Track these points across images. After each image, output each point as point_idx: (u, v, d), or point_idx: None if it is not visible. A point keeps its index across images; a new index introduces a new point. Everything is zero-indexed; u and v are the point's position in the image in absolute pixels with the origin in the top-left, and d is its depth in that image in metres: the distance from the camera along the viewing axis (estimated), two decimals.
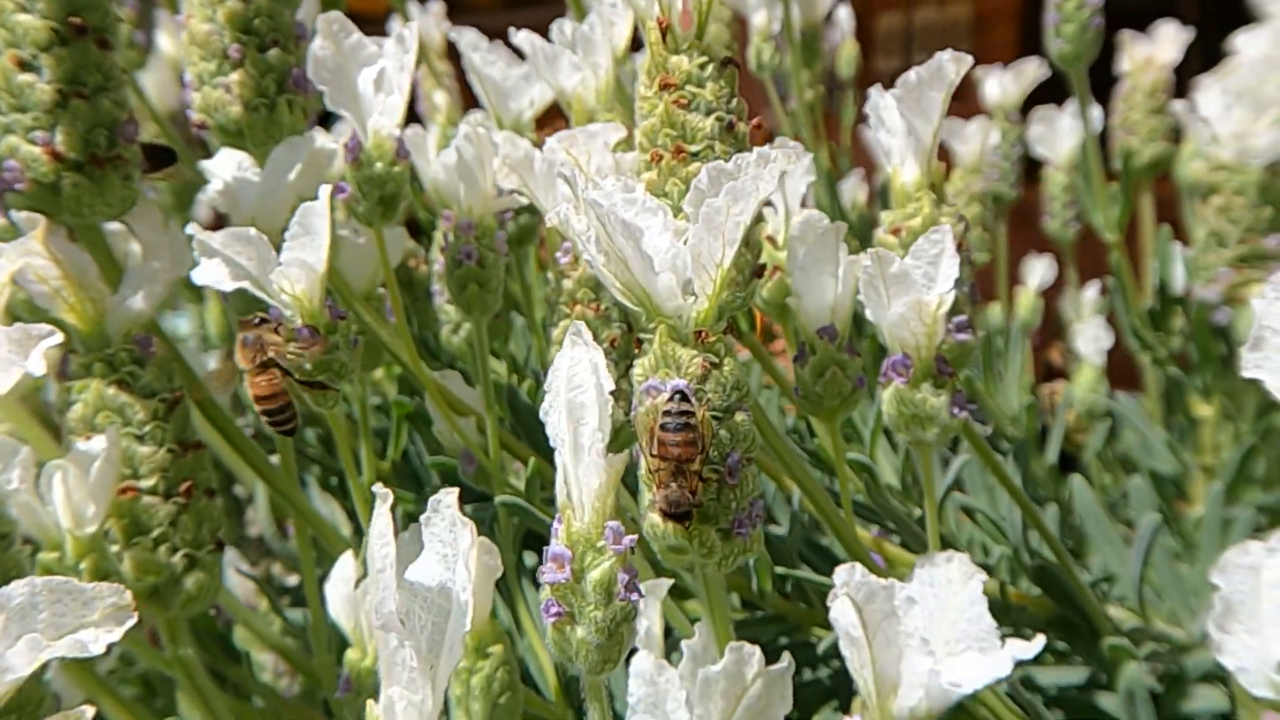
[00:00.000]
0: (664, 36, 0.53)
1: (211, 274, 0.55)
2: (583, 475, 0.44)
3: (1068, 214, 1.68)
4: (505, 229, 0.83)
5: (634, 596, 0.46)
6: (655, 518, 0.55)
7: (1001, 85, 1.76)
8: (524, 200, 0.72)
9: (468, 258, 0.71)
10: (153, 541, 0.57)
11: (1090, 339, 1.44)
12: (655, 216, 0.51)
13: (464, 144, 0.68)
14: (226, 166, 0.68)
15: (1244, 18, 1.32)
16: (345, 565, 0.70)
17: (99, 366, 0.58)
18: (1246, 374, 0.49)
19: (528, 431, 0.83)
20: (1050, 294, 1.80)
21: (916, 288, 0.55)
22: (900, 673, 0.54)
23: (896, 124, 0.68)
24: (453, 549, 0.40)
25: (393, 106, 0.63)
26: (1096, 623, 0.77)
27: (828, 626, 0.62)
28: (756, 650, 0.55)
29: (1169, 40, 1.47)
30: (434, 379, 0.75)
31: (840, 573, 0.52)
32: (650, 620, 0.62)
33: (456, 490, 0.40)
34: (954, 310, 0.67)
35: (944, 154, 1.66)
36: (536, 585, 0.84)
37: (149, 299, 0.58)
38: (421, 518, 0.40)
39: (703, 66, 0.53)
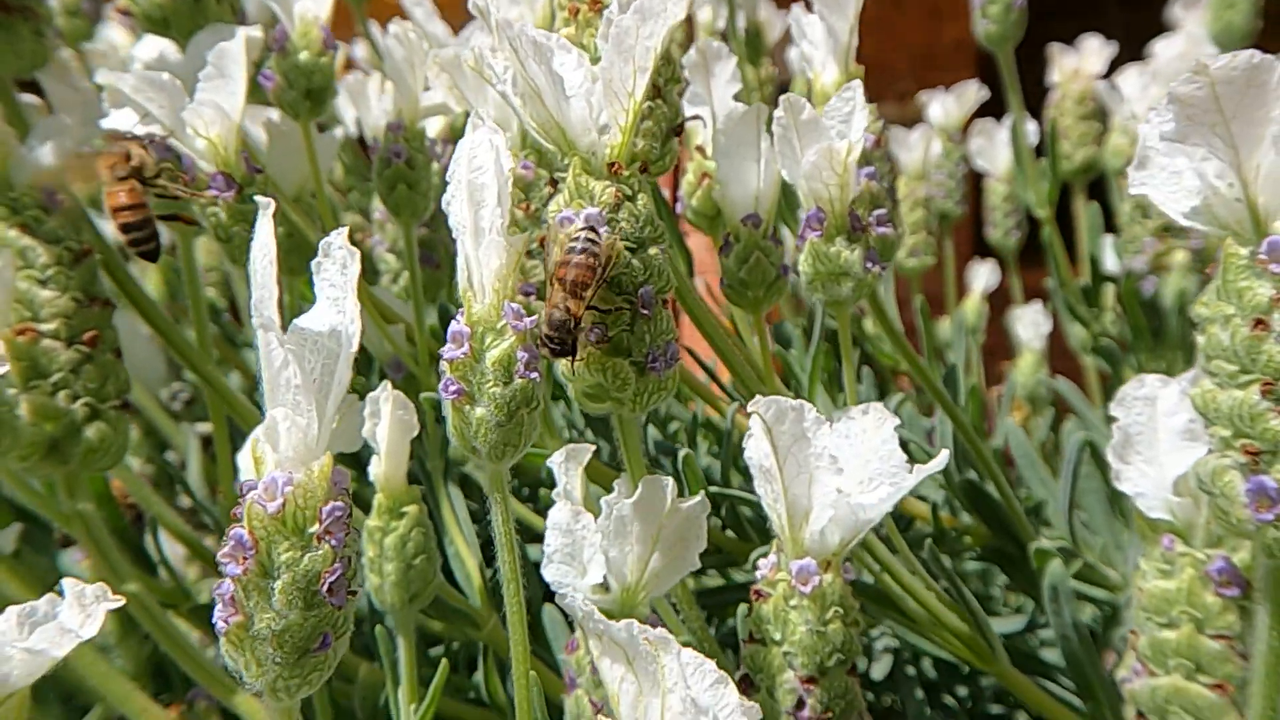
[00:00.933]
0: None
1: (123, 120, 0.56)
2: (483, 256, 0.45)
3: (1009, 223, 1.75)
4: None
5: (533, 375, 0.46)
6: (564, 362, 0.55)
7: (944, 107, 1.85)
8: (457, 108, 0.74)
9: (396, 156, 0.73)
10: (52, 386, 0.55)
11: (1029, 324, 1.47)
12: (569, 54, 0.53)
13: (393, 44, 0.71)
14: (149, 52, 0.70)
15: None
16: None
17: (0, 209, 0.58)
18: (1133, 191, 0.51)
19: None
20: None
21: (828, 134, 0.57)
22: (811, 498, 0.54)
23: (817, 32, 0.72)
24: (343, 290, 0.40)
25: None
26: (1026, 540, 0.77)
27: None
28: (670, 481, 0.55)
29: (1094, 53, 1.57)
30: (363, 284, 0.75)
31: (756, 400, 0.53)
32: (571, 484, 0.61)
33: (346, 229, 0.40)
34: (874, 202, 0.70)
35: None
36: (463, 489, 0.83)
37: (57, 151, 0.58)
38: (313, 263, 0.41)
39: None
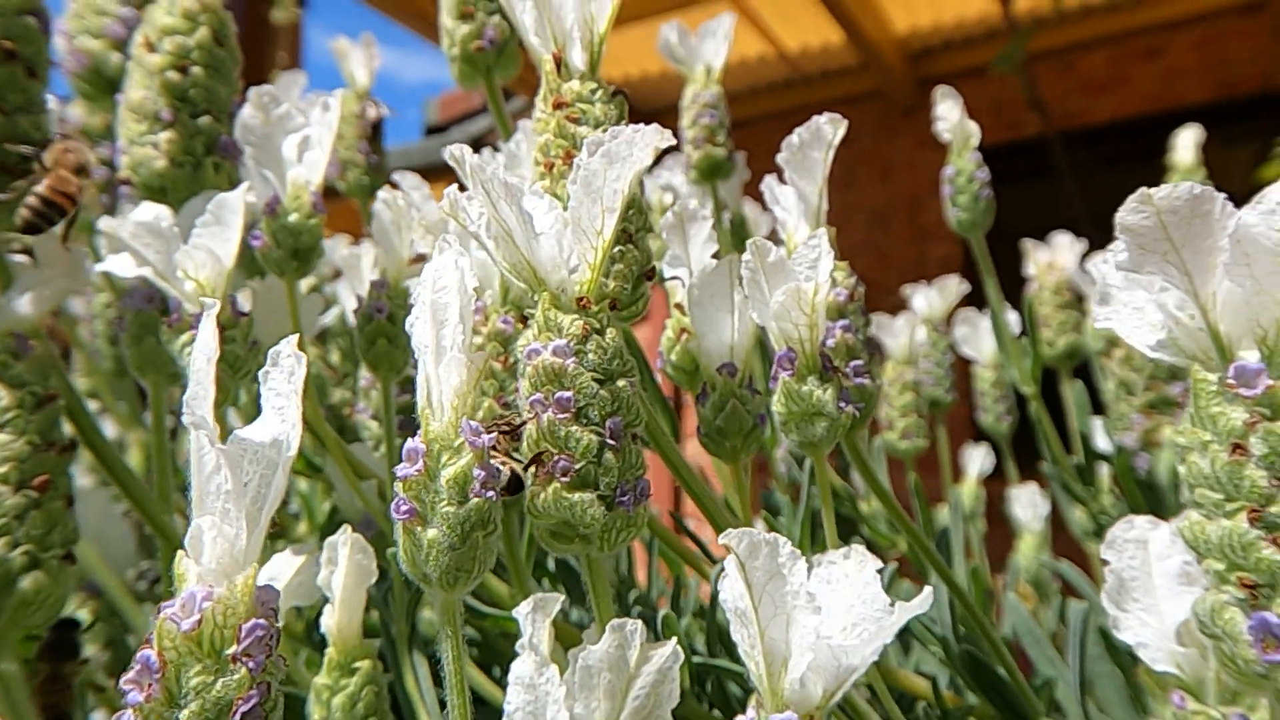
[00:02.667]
0: (558, 68, 0.61)
1: (118, 264, 0.58)
2: (443, 374, 0.44)
3: (999, 408, 1.76)
4: None
5: (489, 494, 0.44)
6: (536, 492, 0.53)
7: (928, 299, 1.93)
8: None
9: (378, 312, 0.74)
10: None
11: (1026, 504, 1.44)
12: (540, 198, 0.55)
13: (381, 208, 0.75)
14: (144, 215, 0.73)
15: None
16: None
17: None
18: (1098, 326, 0.52)
19: None
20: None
21: (795, 276, 0.59)
22: (789, 642, 0.50)
23: (789, 197, 0.76)
24: (288, 398, 0.39)
25: (313, 161, 0.70)
26: (1034, 716, 0.71)
27: None
28: (640, 626, 0.51)
29: (1065, 248, 1.65)
30: (336, 438, 0.74)
31: (727, 533, 0.50)
32: (538, 637, 0.57)
33: (296, 337, 0.40)
34: (851, 354, 0.71)
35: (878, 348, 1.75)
36: (427, 657, 0.77)
37: (35, 304, 0.59)
38: (260, 373, 0.40)
39: (593, 91, 0.61)
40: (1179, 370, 1.14)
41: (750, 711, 0.53)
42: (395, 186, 0.82)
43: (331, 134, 0.69)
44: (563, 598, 0.60)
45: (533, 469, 0.53)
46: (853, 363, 0.69)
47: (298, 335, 0.39)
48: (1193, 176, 1.19)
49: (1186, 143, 1.12)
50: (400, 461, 0.46)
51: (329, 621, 0.57)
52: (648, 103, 6.80)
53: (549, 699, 0.53)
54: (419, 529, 0.43)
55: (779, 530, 0.91)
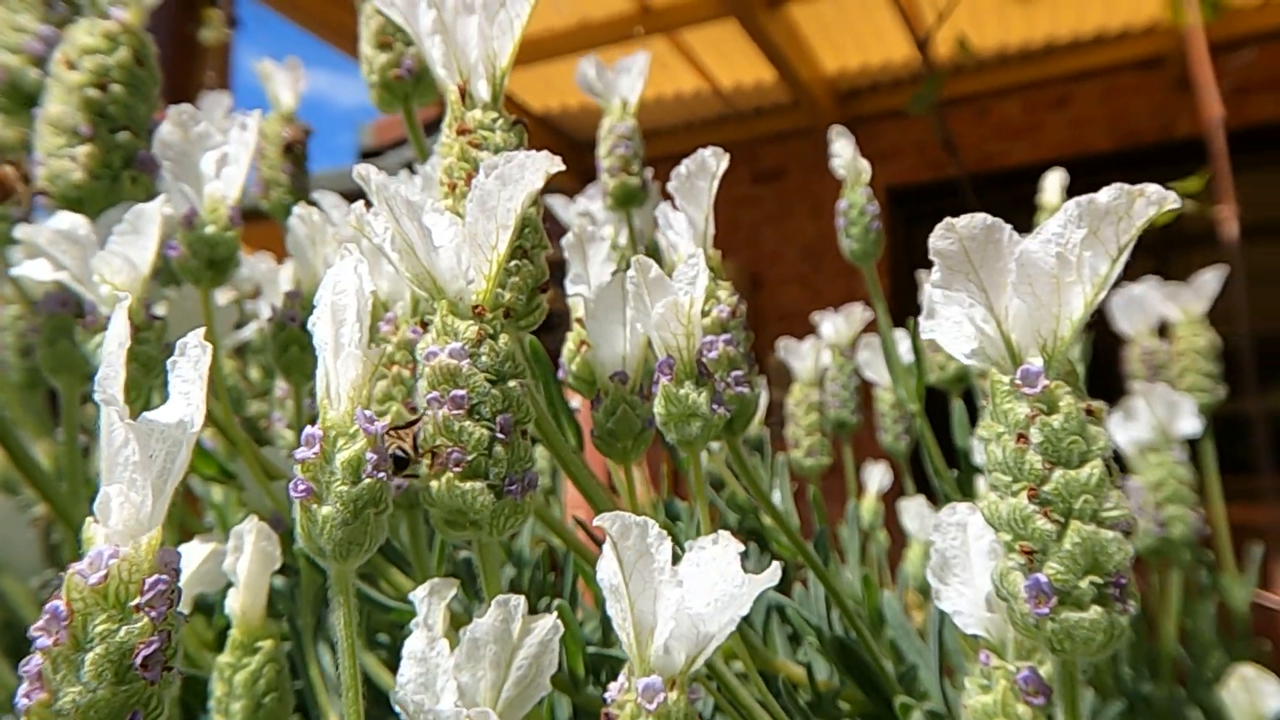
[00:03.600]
0: (463, 98, 0.68)
1: (34, 269, 0.61)
2: (341, 368, 0.49)
3: (898, 428, 1.87)
4: None
5: (381, 475, 0.49)
6: (431, 482, 0.59)
7: (834, 325, 2.04)
8: None
9: (291, 320, 0.78)
10: None
11: (914, 515, 1.53)
12: (440, 215, 0.61)
13: (296, 223, 0.79)
14: (61, 223, 0.76)
15: None
16: None
17: None
18: (925, 336, 0.60)
19: None
20: None
21: (673, 290, 0.66)
22: (656, 614, 0.56)
23: (680, 222, 0.83)
24: (193, 384, 0.43)
25: (230, 177, 0.74)
26: (892, 694, 0.78)
27: None
28: (522, 600, 0.57)
29: None
30: (246, 438, 0.78)
31: (601, 516, 0.56)
32: (433, 617, 0.62)
33: (202, 330, 0.44)
34: (732, 365, 0.78)
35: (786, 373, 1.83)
36: (332, 647, 0.81)
37: None
38: (167, 362, 0.44)
39: (494, 120, 0.68)
40: None
41: (621, 679, 0.59)
42: (315, 205, 0.87)
43: (248, 151, 0.74)
44: (457, 584, 0.65)
45: (428, 461, 0.58)
46: (733, 373, 0.76)
47: (204, 329, 0.44)
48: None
49: (1053, 185, 1.24)
50: None
51: (233, 604, 0.61)
52: (585, 133, 6.94)
53: (439, 670, 0.58)
54: (315, 506, 0.48)
55: (676, 535, 0.97)
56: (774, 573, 0.57)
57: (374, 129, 8.73)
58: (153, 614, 0.39)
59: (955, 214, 0.53)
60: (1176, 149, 5.98)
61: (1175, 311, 1.34)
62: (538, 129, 6.52)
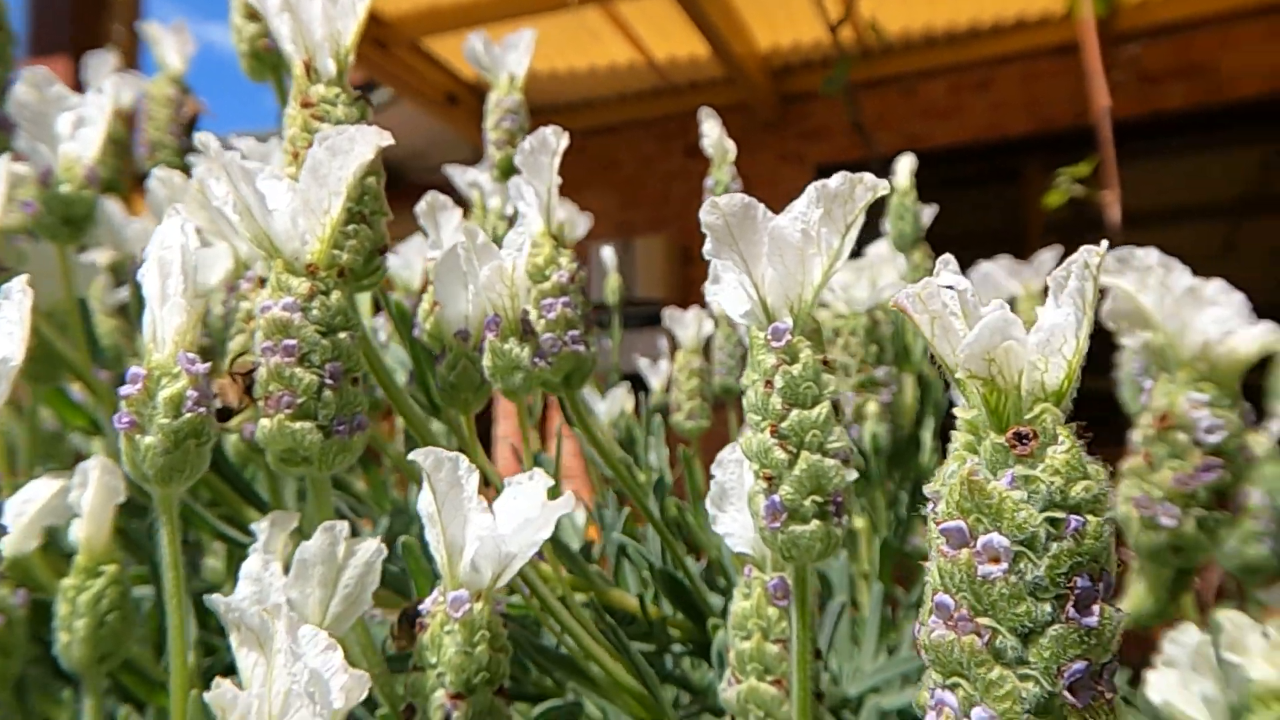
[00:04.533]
0: (307, 73, 0.74)
1: None
2: (166, 316, 0.56)
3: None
4: None
5: (201, 410, 0.56)
6: (264, 423, 0.66)
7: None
8: (214, 241, 0.88)
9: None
10: None
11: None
12: (277, 181, 0.68)
13: (155, 185, 0.85)
14: None
15: None
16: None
17: None
18: (709, 300, 0.69)
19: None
20: None
21: (498, 255, 0.74)
22: (465, 537, 0.64)
23: (529, 194, 0.91)
24: (16, 324, 0.49)
25: (87, 138, 0.79)
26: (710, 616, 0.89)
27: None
28: (345, 525, 0.65)
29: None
30: (107, 386, 0.84)
31: (415, 451, 0.64)
32: (272, 544, 0.69)
33: (26, 275, 0.51)
34: (569, 325, 0.86)
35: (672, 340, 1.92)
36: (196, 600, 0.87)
37: None
38: None
39: (337, 95, 0.74)
40: (883, 355, 1.37)
41: (435, 593, 0.67)
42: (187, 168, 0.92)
43: (104, 115, 0.79)
44: (299, 516, 0.73)
45: (262, 403, 0.65)
46: (570, 332, 0.85)
47: (28, 275, 0.50)
48: (906, 198, 1.43)
49: (904, 169, 1.35)
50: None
51: (79, 534, 0.68)
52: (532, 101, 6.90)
53: (271, 588, 0.66)
54: (138, 437, 0.55)
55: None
56: (567, 500, 0.66)
57: None
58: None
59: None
60: (1089, 133, 6.26)
61: (1017, 287, 1.47)
62: (470, 96, 6.47)
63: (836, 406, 0.60)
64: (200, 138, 0.65)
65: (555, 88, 6.81)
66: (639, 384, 2.16)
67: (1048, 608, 0.36)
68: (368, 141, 0.66)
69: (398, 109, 6.50)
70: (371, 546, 0.66)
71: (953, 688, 0.38)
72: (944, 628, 0.38)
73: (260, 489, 0.93)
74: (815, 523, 0.58)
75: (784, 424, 0.59)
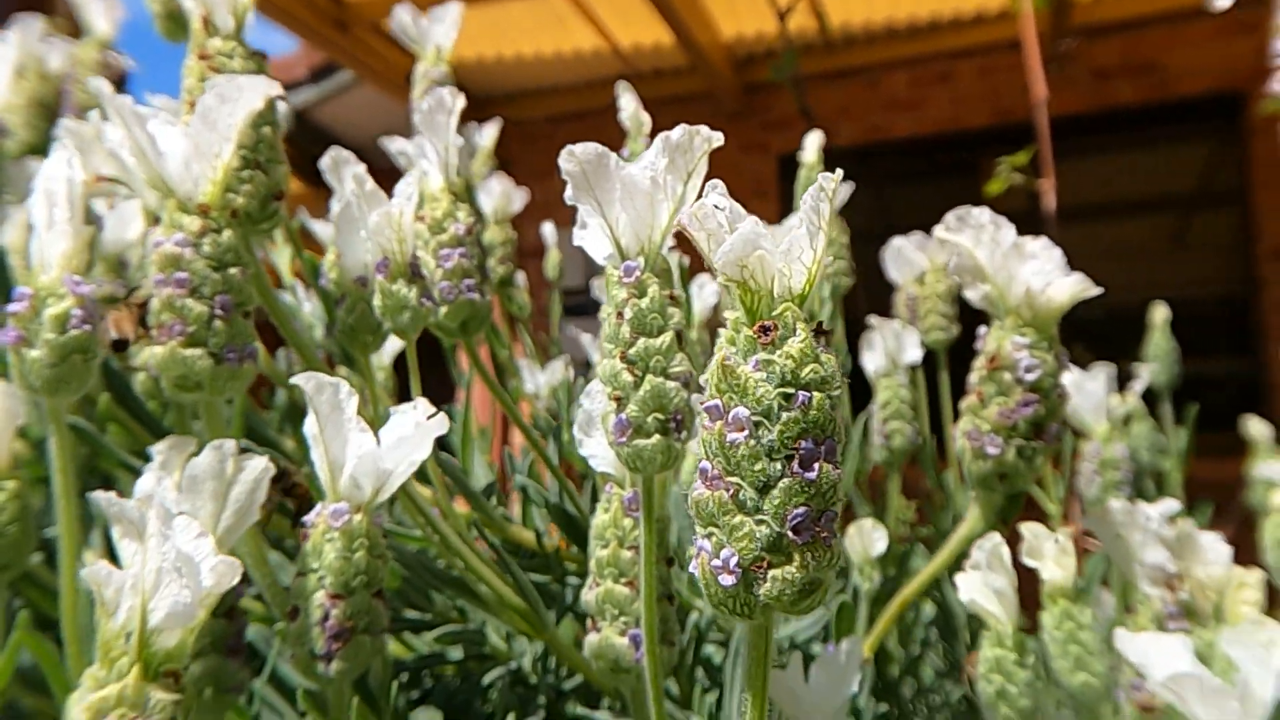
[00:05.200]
0: (205, 27, 0.80)
1: None
2: (51, 241, 0.62)
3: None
4: None
5: (86, 328, 0.62)
6: (156, 350, 0.72)
7: None
8: (123, 190, 0.93)
9: None
10: None
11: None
12: (170, 126, 0.74)
13: (64, 134, 0.90)
14: None
15: None
16: None
17: None
18: (575, 241, 0.76)
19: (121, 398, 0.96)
20: None
21: (385, 202, 0.80)
22: (345, 455, 0.71)
23: (429, 150, 0.97)
24: None
25: None
26: None
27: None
28: (233, 444, 0.71)
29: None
30: None
31: (298, 375, 0.71)
32: (169, 464, 0.75)
33: None
34: (465, 274, 0.93)
35: None
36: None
37: None
38: None
39: (234, 49, 0.80)
40: None
41: (318, 507, 0.74)
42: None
43: (8, 66, 0.83)
44: (196, 441, 0.79)
45: (155, 332, 0.71)
46: (465, 280, 0.92)
47: None
48: (813, 172, 1.51)
49: (812, 144, 1.43)
50: None
51: None
52: (485, 88, 6.93)
53: (163, 501, 0.72)
54: (25, 349, 0.60)
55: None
56: (441, 422, 0.73)
57: (274, 67, 8.45)
58: None
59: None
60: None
61: (924, 260, 1.55)
62: None
63: (680, 336, 0.68)
64: (93, 83, 0.71)
65: (520, 73, 6.84)
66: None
67: (779, 465, 0.44)
68: (256, 90, 0.72)
69: (360, 91, 6.49)
70: (260, 464, 0.72)
71: (708, 536, 0.45)
72: (703, 487, 0.46)
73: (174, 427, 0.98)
74: (657, 437, 0.65)
75: (631, 350, 0.66)
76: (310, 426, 0.71)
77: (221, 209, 0.73)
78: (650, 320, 0.67)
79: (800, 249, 0.45)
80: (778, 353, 0.44)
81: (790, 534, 0.43)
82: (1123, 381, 1.52)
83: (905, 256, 1.59)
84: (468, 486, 0.97)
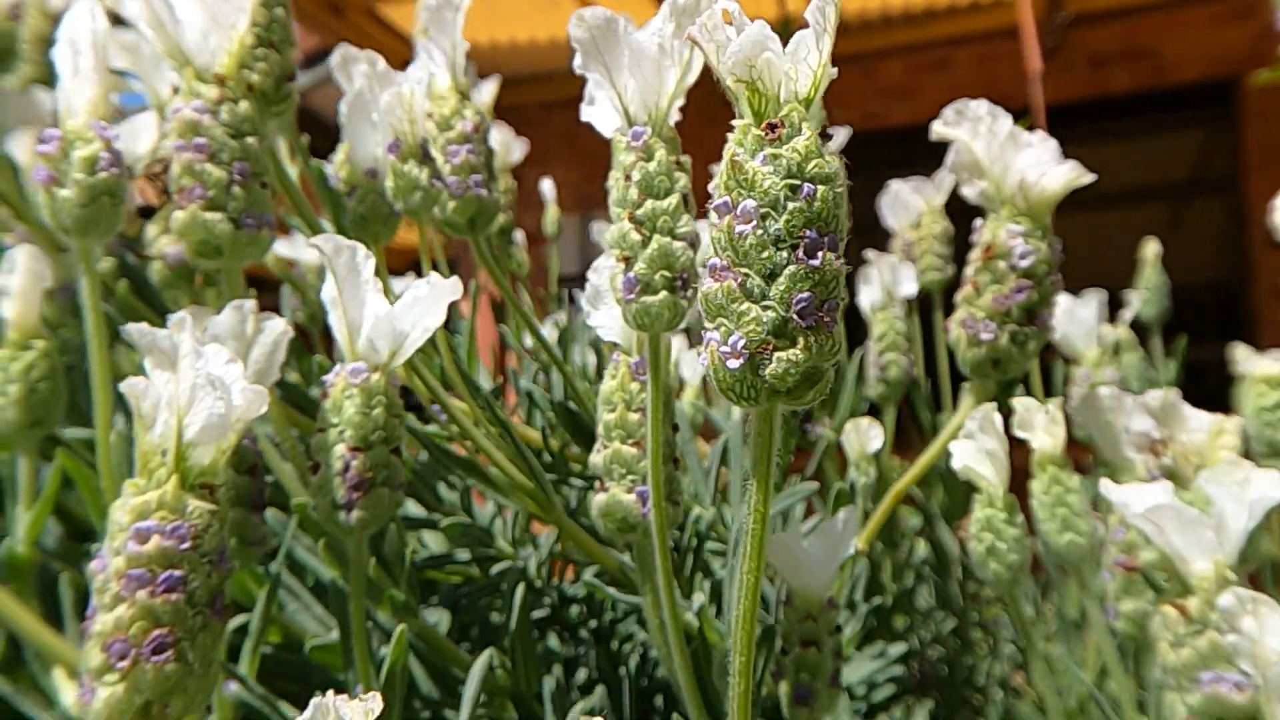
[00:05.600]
0: None
1: None
2: (78, 88, 0.65)
3: None
4: None
5: (114, 170, 0.65)
6: (178, 215, 0.75)
7: None
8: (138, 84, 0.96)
9: None
10: None
11: (687, 364, 1.76)
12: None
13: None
14: None
15: None
16: None
17: None
18: (584, 119, 0.79)
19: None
20: None
21: (397, 82, 0.83)
22: (362, 317, 0.74)
23: (437, 53, 1.00)
24: None
25: None
26: None
27: None
28: (252, 304, 0.74)
29: None
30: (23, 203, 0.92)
31: (315, 238, 0.73)
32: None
33: None
34: (473, 170, 0.95)
35: None
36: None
37: None
38: None
39: None
40: None
41: (337, 366, 0.76)
42: None
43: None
44: (213, 310, 0.82)
45: (176, 196, 0.74)
46: (473, 176, 0.94)
47: None
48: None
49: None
50: None
51: (9, 313, 0.75)
52: (479, 74, 6.93)
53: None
54: (56, 189, 0.63)
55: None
56: (455, 286, 0.75)
57: None
58: None
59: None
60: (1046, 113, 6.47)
61: (920, 202, 1.59)
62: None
63: (686, 200, 0.71)
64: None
65: (517, 59, 6.86)
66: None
67: (784, 254, 0.47)
68: None
69: None
70: (279, 326, 0.75)
71: (717, 327, 0.48)
72: (711, 281, 0.49)
73: None
74: (664, 294, 0.68)
75: (639, 211, 0.69)
76: (328, 290, 0.74)
77: (238, 81, 0.76)
78: (658, 183, 0.70)
79: (806, 50, 0.48)
80: (784, 148, 0.47)
81: (795, 318, 0.46)
82: (1113, 314, 1.56)
83: (902, 200, 1.63)
84: (472, 380, 1.00)
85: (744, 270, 0.47)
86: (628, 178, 0.71)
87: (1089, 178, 0.82)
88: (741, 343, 0.47)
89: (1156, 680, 0.70)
